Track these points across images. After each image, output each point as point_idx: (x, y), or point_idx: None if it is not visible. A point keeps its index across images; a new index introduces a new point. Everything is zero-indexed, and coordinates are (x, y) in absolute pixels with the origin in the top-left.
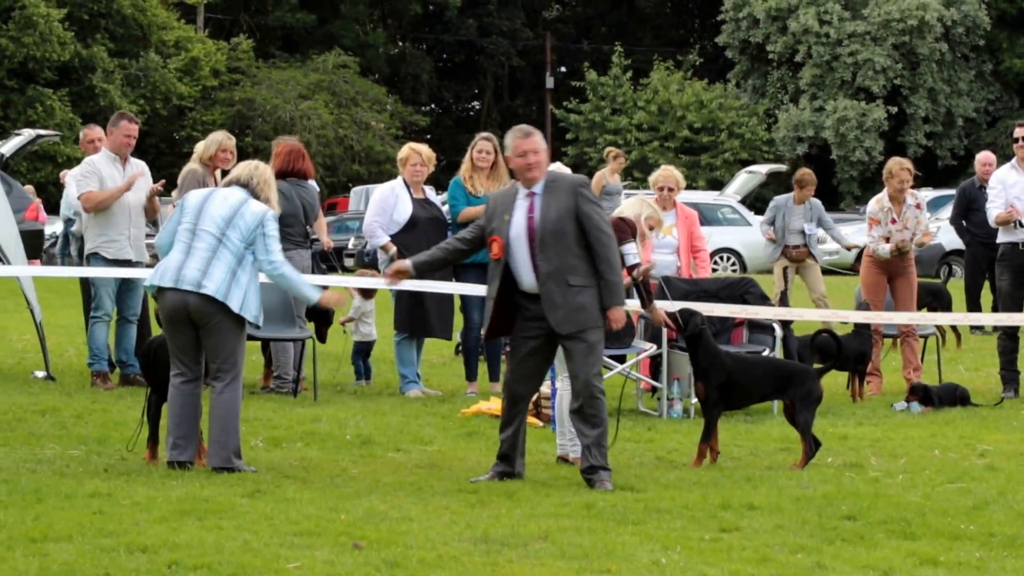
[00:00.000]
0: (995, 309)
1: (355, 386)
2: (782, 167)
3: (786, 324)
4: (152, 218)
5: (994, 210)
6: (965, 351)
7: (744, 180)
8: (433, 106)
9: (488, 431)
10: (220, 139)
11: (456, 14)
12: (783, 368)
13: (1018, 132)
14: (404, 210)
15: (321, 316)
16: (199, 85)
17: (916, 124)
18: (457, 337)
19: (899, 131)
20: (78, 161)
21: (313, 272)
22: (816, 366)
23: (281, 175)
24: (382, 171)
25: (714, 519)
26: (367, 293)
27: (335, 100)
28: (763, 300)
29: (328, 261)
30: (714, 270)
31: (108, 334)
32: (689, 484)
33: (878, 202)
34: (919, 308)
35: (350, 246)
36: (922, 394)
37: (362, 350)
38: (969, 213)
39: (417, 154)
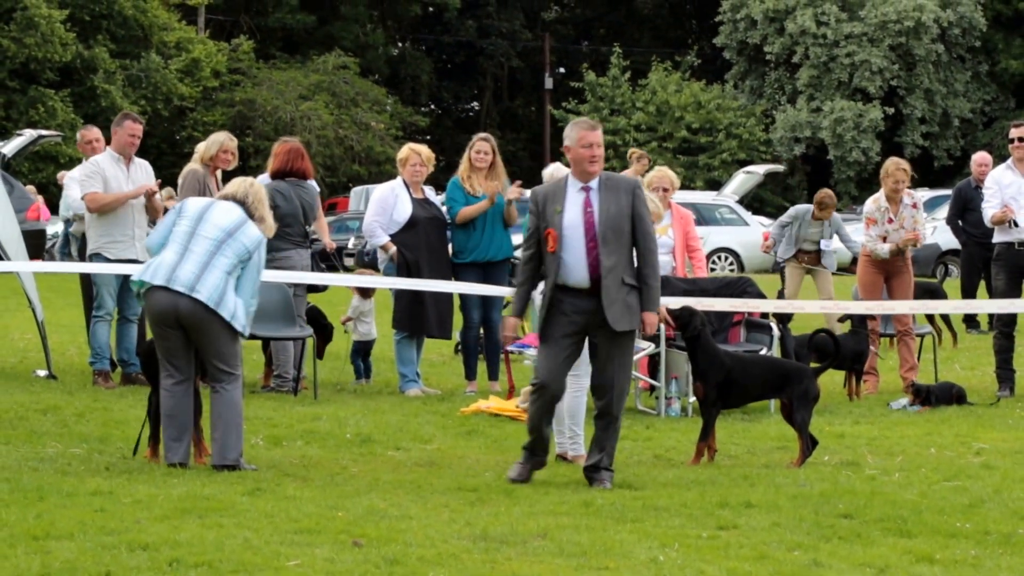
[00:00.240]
0: None
1: (355, 385)
2: (779, 167)
3: (784, 323)
4: (155, 217)
5: (990, 210)
6: (961, 350)
7: (742, 180)
8: (433, 107)
9: (487, 429)
10: (221, 140)
11: (456, 15)
12: (781, 367)
13: (1014, 133)
14: (404, 210)
15: (319, 328)
16: (200, 86)
17: (913, 125)
18: (456, 336)
19: (896, 132)
20: (79, 161)
21: (312, 271)
22: (813, 365)
23: (280, 175)
24: (382, 171)
25: (712, 517)
26: (365, 292)
27: (335, 101)
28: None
29: (329, 260)
30: (712, 270)
31: (110, 333)
32: (687, 482)
33: (875, 202)
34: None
35: (350, 246)
36: (925, 396)
37: (361, 349)
38: (965, 213)
39: (417, 154)
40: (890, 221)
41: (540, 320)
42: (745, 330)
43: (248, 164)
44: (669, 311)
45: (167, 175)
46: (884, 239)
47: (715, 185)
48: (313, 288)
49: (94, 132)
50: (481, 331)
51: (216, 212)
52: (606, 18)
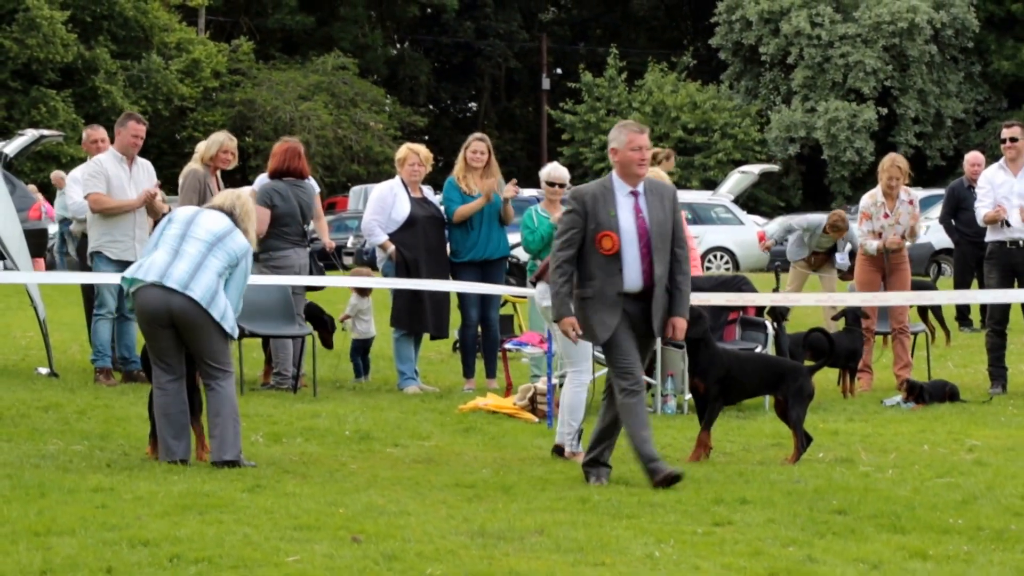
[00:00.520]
0: (983, 307)
1: (354, 383)
2: (774, 167)
3: (778, 321)
4: (157, 218)
5: (982, 209)
6: (954, 348)
7: (737, 180)
8: (431, 107)
9: (485, 427)
10: (221, 140)
11: (454, 16)
12: (776, 365)
13: (1005, 133)
14: (402, 209)
15: (320, 323)
16: (200, 86)
17: (906, 125)
18: (455, 334)
19: (889, 132)
20: (81, 161)
21: (311, 270)
22: (808, 363)
23: (278, 174)
24: (381, 171)
25: (707, 513)
26: (363, 291)
27: (334, 101)
28: None
29: (327, 259)
30: (707, 268)
31: (111, 331)
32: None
33: (871, 196)
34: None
35: (349, 245)
36: (919, 393)
37: (360, 347)
38: (958, 212)
39: (415, 154)
40: (886, 216)
41: (582, 319)
42: (740, 328)
43: (248, 164)
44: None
45: (168, 175)
46: (879, 234)
47: (711, 185)
48: (311, 286)
49: (100, 132)
50: (479, 329)
51: (205, 217)
52: (603, 19)
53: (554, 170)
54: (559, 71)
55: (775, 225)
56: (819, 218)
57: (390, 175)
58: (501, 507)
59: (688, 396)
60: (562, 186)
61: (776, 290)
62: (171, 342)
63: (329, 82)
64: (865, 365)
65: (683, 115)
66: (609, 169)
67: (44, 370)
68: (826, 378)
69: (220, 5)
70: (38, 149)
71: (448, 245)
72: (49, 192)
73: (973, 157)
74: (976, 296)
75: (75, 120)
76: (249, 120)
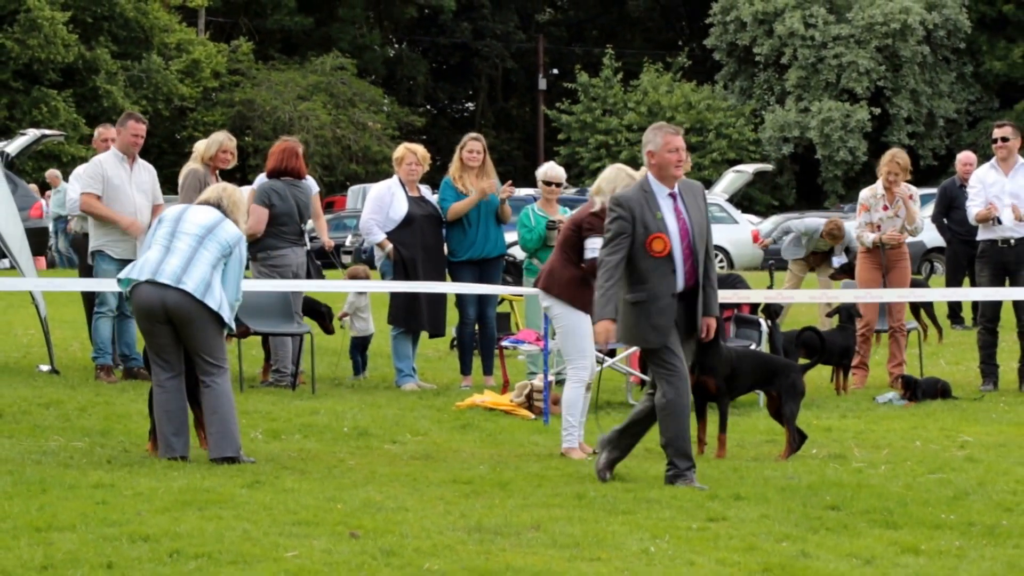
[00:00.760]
0: (975, 305)
1: (352, 381)
2: (768, 167)
3: (772, 319)
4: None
5: (974, 208)
6: (946, 345)
7: (731, 179)
8: (428, 107)
9: (482, 423)
10: (221, 140)
11: (451, 17)
12: (770, 362)
13: (997, 133)
14: (400, 208)
15: (317, 314)
16: (200, 86)
17: (899, 125)
18: (452, 332)
19: (882, 131)
20: (82, 160)
21: (308, 269)
22: (801, 361)
23: (275, 174)
24: (379, 170)
25: (702, 509)
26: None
27: (333, 101)
28: None
29: (325, 258)
30: None
31: (112, 329)
32: None
33: (871, 189)
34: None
35: (347, 243)
36: (913, 388)
37: (359, 345)
38: (950, 211)
39: (412, 153)
40: (885, 208)
41: (629, 327)
42: (734, 326)
43: (248, 163)
44: None
45: (168, 174)
46: (878, 227)
47: (706, 184)
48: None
49: (111, 131)
50: (476, 327)
51: (193, 213)
52: (599, 20)
53: (550, 169)
54: (555, 71)
55: (769, 224)
56: (817, 223)
57: (388, 174)
58: (498, 503)
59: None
60: (558, 185)
61: (771, 288)
62: (169, 338)
63: (328, 82)
64: (862, 362)
65: (678, 115)
66: (608, 165)
67: (45, 367)
68: (820, 375)
69: (220, 6)
70: (39, 148)
71: (446, 244)
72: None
73: (965, 157)
74: (968, 294)
75: (76, 120)
76: (248, 120)
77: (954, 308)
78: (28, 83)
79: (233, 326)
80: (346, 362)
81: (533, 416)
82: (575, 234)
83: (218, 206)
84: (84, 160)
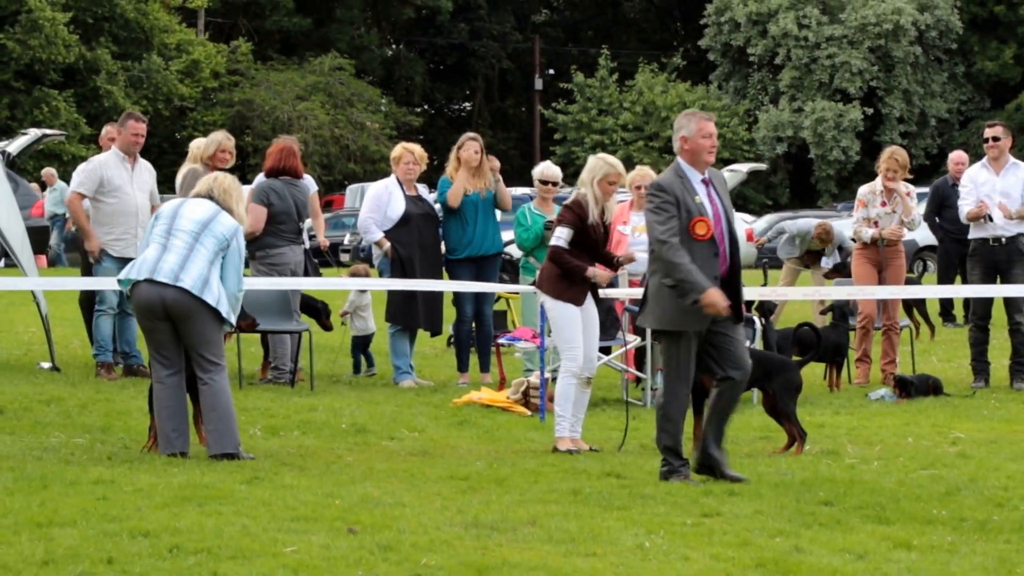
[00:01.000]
0: (967, 303)
1: (350, 378)
2: (762, 166)
3: (767, 317)
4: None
5: (965, 207)
6: (938, 342)
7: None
8: (426, 107)
9: (479, 420)
10: (220, 139)
11: (448, 18)
12: (766, 359)
13: (988, 132)
14: (397, 207)
15: (314, 311)
16: (200, 86)
17: (891, 124)
18: (449, 329)
19: (875, 131)
20: (82, 159)
21: (305, 267)
22: (795, 359)
23: (273, 173)
24: (376, 170)
25: (696, 504)
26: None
27: (331, 101)
28: None
29: (322, 257)
30: None
31: (112, 326)
32: None
33: (870, 186)
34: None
35: (346, 242)
36: (907, 389)
37: (360, 343)
38: (942, 210)
39: (410, 153)
40: (883, 205)
41: (668, 310)
42: None
43: (247, 163)
44: None
45: (168, 174)
46: (876, 223)
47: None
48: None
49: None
50: (473, 325)
51: (189, 208)
52: (594, 21)
53: (547, 169)
54: (551, 72)
55: (763, 223)
56: (809, 224)
57: (386, 174)
58: (494, 499)
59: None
60: (555, 184)
61: (765, 286)
62: (168, 335)
63: (326, 82)
64: (864, 354)
65: (673, 115)
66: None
67: (46, 365)
68: (813, 373)
69: (219, 7)
70: (40, 148)
71: (444, 242)
72: None
73: (957, 156)
74: (959, 291)
75: (76, 120)
76: (248, 120)
77: (946, 306)
78: (29, 83)
79: (233, 321)
80: (344, 359)
81: (529, 413)
82: None
83: (210, 197)
84: (84, 159)
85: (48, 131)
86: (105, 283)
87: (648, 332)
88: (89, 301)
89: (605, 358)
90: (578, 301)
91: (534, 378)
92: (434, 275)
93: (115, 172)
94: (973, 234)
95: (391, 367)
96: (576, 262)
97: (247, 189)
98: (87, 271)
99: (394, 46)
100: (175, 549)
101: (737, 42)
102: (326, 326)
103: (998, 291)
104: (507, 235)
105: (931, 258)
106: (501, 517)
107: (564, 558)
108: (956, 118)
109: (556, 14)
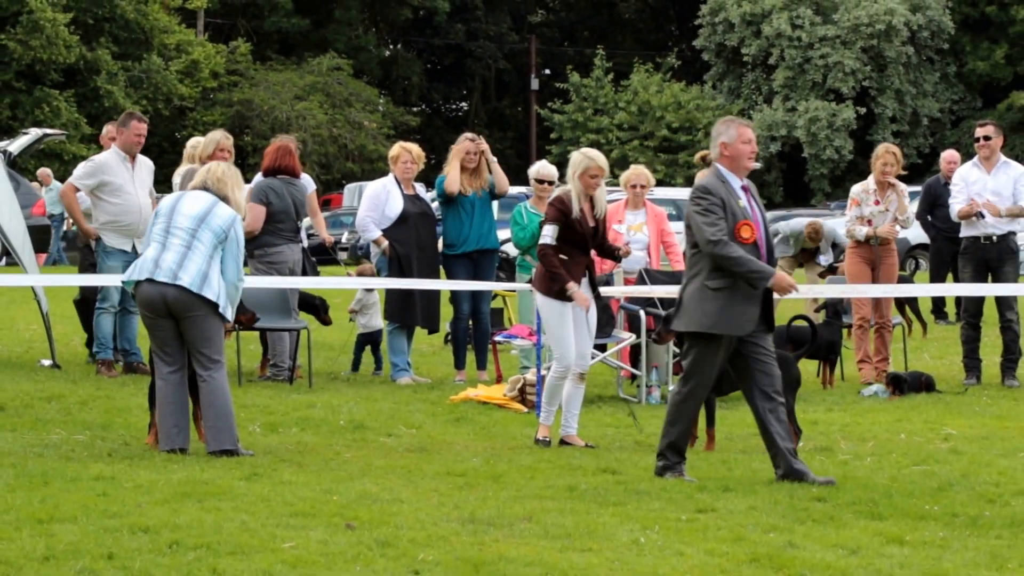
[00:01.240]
0: (958, 301)
1: (347, 375)
2: (756, 165)
3: None
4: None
5: (956, 205)
6: (930, 340)
7: None
8: (423, 107)
9: (475, 417)
10: (218, 138)
11: (445, 19)
12: None
13: (979, 132)
14: (395, 205)
15: (312, 308)
16: (199, 86)
17: (884, 123)
18: (447, 327)
19: (867, 130)
20: (83, 159)
21: (303, 266)
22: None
23: (271, 172)
24: (374, 169)
25: (691, 500)
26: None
27: (329, 101)
28: None
29: (324, 254)
30: None
31: (113, 324)
32: None
33: (863, 185)
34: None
35: (344, 240)
36: (900, 386)
37: (366, 341)
38: (934, 209)
39: (408, 152)
40: (876, 203)
41: (711, 313)
42: None
43: (247, 162)
44: (665, 316)
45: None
46: (869, 221)
47: (694, 182)
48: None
49: None
50: (470, 322)
51: (186, 203)
52: (590, 21)
53: (543, 168)
54: (547, 72)
55: None
56: (799, 226)
57: (384, 173)
58: (491, 495)
59: (672, 387)
60: (551, 183)
61: None
62: (171, 332)
63: (324, 82)
64: (865, 355)
65: (668, 114)
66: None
67: (47, 362)
68: (806, 370)
69: (218, 8)
70: (41, 147)
71: (441, 239)
72: None
73: (949, 155)
74: (951, 289)
75: (77, 119)
76: (247, 119)
77: (938, 304)
78: (30, 83)
79: (230, 314)
80: (342, 356)
81: (526, 410)
82: None
83: (207, 188)
84: (85, 159)
85: (49, 131)
86: (105, 279)
87: (643, 331)
88: (85, 300)
89: (600, 355)
90: (568, 297)
91: (530, 375)
92: (431, 273)
93: (116, 172)
94: (964, 232)
95: (388, 364)
96: (560, 271)
97: (246, 188)
98: (85, 270)
99: (391, 46)
100: (175, 545)
101: (731, 42)
102: (325, 321)
103: (989, 289)
104: (503, 233)
105: (923, 256)
106: (497, 513)
107: (560, 553)
108: (948, 117)
109: (552, 15)
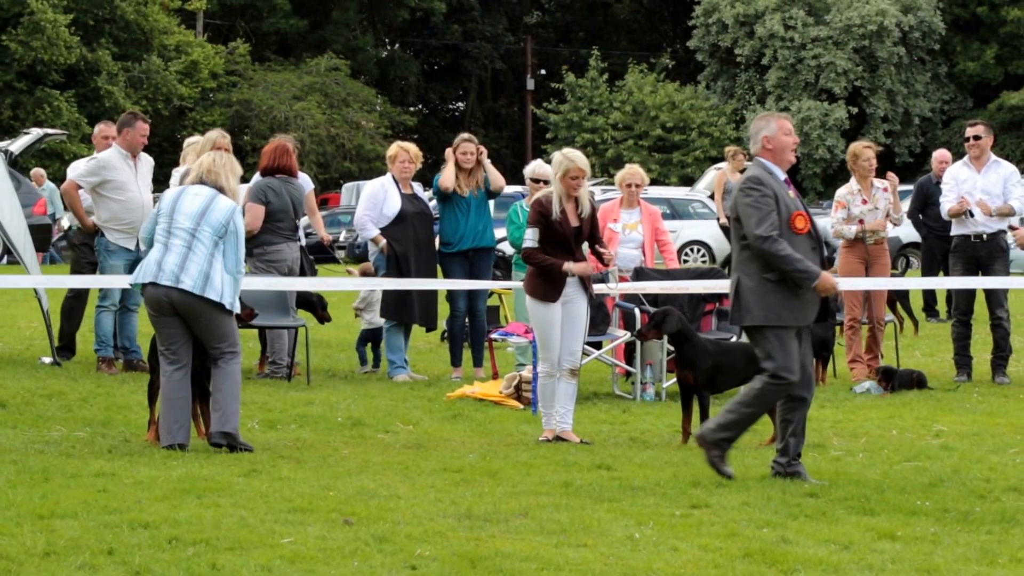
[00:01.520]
0: (949, 297)
1: (360, 372)
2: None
3: None
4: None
5: (947, 204)
6: (921, 338)
7: (713, 177)
8: (420, 107)
9: (472, 413)
10: (214, 138)
11: (442, 20)
12: None
13: (969, 132)
14: (393, 205)
15: (310, 306)
16: (198, 87)
17: (876, 123)
18: (443, 324)
19: (859, 130)
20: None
21: (301, 264)
22: None
23: (269, 172)
24: (372, 168)
25: (685, 496)
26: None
27: (327, 101)
28: None
29: (322, 252)
30: (685, 261)
31: (114, 322)
32: (661, 463)
33: (847, 187)
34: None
35: (342, 239)
36: (891, 380)
37: (368, 338)
38: (926, 207)
39: (405, 152)
40: (864, 202)
41: (773, 306)
42: (716, 318)
43: (246, 161)
44: (651, 315)
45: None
46: (861, 221)
47: (688, 181)
48: (300, 276)
49: (112, 129)
50: (467, 320)
51: (186, 201)
52: (585, 22)
53: (539, 167)
54: (543, 72)
55: None
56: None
57: (381, 172)
58: (487, 491)
59: (666, 384)
60: (546, 182)
61: None
62: (178, 329)
63: (322, 83)
64: (856, 355)
65: (662, 114)
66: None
67: (47, 359)
68: None
69: (217, 9)
70: (42, 147)
71: (438, 237)
72: None
73: (940, 155)
74: (942, 283)
75: (78, 119)
76: (246, 119)
77: (929, 301)
78: (31, 84)
79: (236, 309)
80: (339, 354)
81: (522, 406)
82: None
83: (203, 182)
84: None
85: (50, 131)
86: (107, 281)
87: (638, 328)
88: (77, 295)
89: (596, 353)
90: (552, 298)
91: (526, 372)
92: (429, 271)
93: (119, 170)
94: (955, 231)
95: (386, 361)
96: (549, 259)
97: (243, 189)
98: (80, 268)
99: (389, 47)
100: (174, 540)
101: (725, 43)
102: (323, 318)
103: (979, 283)
104: (499, 232)
105: (915, 255)
106: (493, 509)
107: (555, 549)
108: (939, 117)
109: (547, 16)
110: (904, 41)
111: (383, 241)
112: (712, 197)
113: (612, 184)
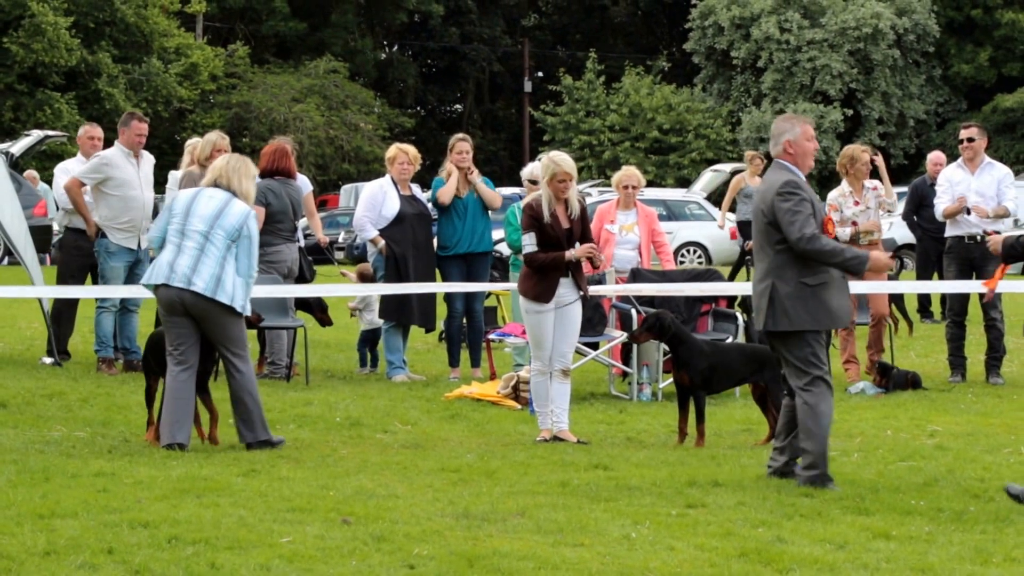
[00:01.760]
0: (943, 299)
1: (361, 373)
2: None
3: (749, 313)
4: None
5: (941, 205)
6: (916, 338)
7: (710, 178)
8: (418, 109)
9: (469, 413)
10: (214, 139)
11: (440, 22)
12: (756, 353)
13: (963, 134)
14: (392, 206)
15: (309, 308)
16: (198, 89)
17: (870, 125)
18: (441, 325)
19: (855, 132)
20: None
21: (300, 265)
22: None
23: (268, 174)
24: (370, 170)
25: (681, 496)
26: (365, 279)
27: (326, 103)
28: None
29: (319, 253)
30: (681, 263)
31: (114, 323)
32: (657, 463)
33: (839, 190)
34: None
35: (340, 240)
36: (887, 375)
37: (368, 338)
38: (920, 209)
39: (404, 153)
40: (856, 204)
41: (812, 310)
42: (712, 319)
43: None
44: (644, 318)
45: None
46: (855, 223)
47: (685, 183)
48: (301, 278)
49: (98, 131)
50: (464, 321)
51: (201, 203)
52: (582, 25)
53: (536, 169)
54: (540, 74)
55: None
56: None
57: (380, 174)
58: (485, 490)
59: (662, 385)
60: None
61: (748, 282)
62: (188, 329)
63: (321, 85)
64: (851, 356)
65: (658, 116)
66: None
67: (48, 360)
68: None
69: (217, 12)
70: (43, 149)
71: (436, 240)
72: None
73: (935, 156)
74: (937, 286)
75: (78, 121)
76: (245, 121)
77: (924, 302)
78: (32, 86)
79: (248, 312)
80: (338, 354)
81: (519, 407)
82: None
83: (218, 184)
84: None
85: (51, 132)
86: (109, 291)
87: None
88: (66, 303)
89: (593, 353)
90: (546, 299)
91: (524, 373)
92: (427, 273)
93: (121, 168)
94: (949, 232)
95: (384, 362)
96: (551, 255)
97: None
98: (70, 271)
99: (387, 50)
100: (174, 540)
101: (721, 46)
102: (324, 321)
103: (974, 287)
104: (497, 234)
105: (909, 256)
106: (491, 508)
107: (552, 548)
108: (933, 119)
109: (545, 18)
110: (899, 44)
111: (382, 242)
112: (708, 198)
113: (609, 186)
